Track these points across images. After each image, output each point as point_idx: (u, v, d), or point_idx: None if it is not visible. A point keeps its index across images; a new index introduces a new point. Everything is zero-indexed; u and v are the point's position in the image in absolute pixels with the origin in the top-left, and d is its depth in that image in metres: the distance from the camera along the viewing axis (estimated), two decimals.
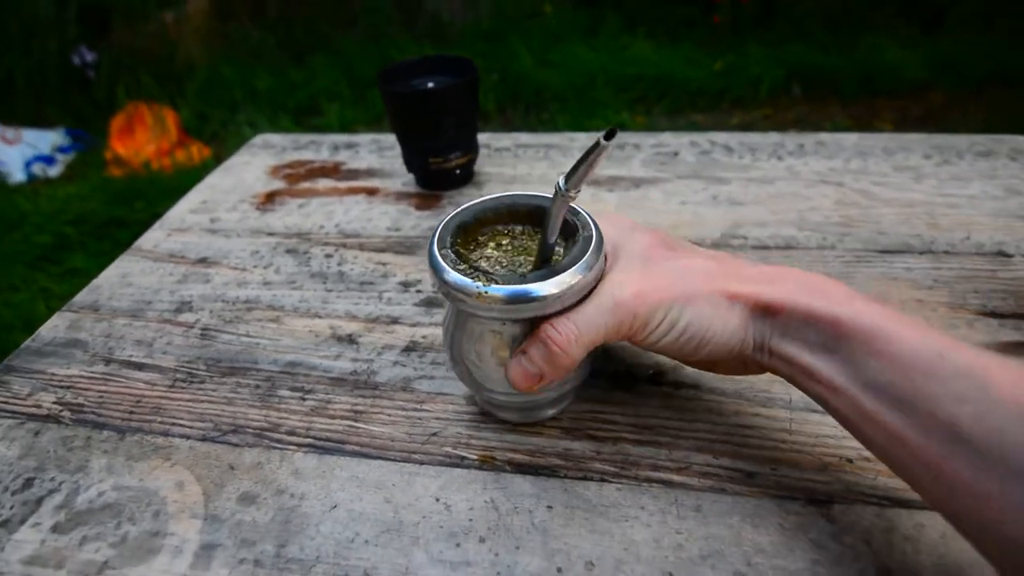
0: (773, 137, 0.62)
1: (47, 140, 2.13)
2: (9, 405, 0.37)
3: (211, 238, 0.52)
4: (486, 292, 0.25)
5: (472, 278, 0.26)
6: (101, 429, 0.34)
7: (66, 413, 0.36)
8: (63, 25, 2.26)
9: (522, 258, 0.29)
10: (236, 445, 0.33)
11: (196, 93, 2.18)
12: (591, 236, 0.27)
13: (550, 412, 0.33)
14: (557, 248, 0.28)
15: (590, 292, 0.26)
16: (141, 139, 2.05)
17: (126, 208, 1.52)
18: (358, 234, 0.51)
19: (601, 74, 1.99)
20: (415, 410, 0.34)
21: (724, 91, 1.94)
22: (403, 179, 0.59)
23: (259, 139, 0.71)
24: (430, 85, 0.50)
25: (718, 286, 0.26)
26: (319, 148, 0.67)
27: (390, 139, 0.68)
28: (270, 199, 0.58)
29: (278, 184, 0.60)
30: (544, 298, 0.25)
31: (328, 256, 0.49)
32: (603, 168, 0.58)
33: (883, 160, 0.56)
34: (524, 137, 0.66)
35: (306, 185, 0.60)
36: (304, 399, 0.35)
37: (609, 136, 0.21)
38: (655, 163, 0.59)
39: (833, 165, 0.56)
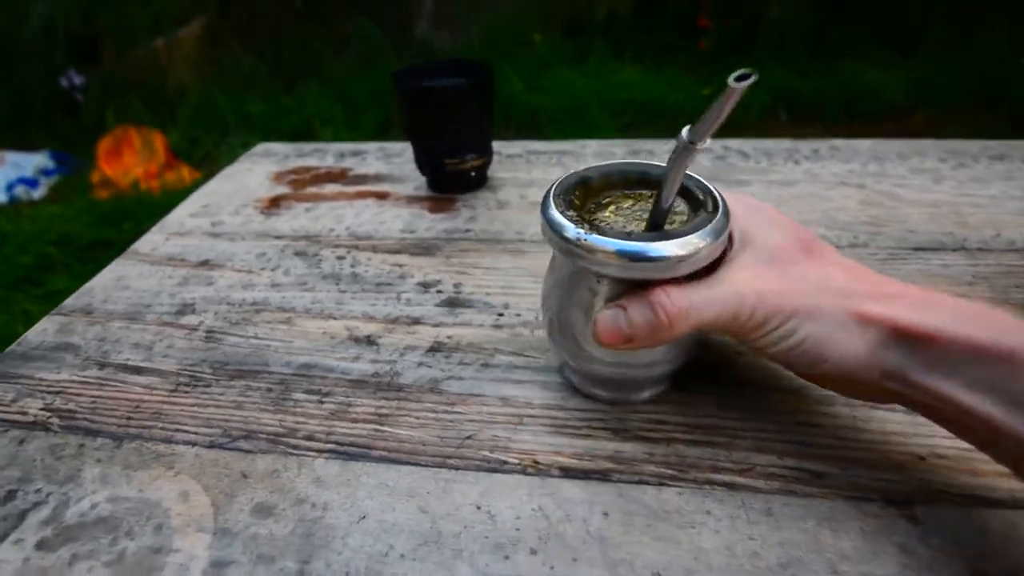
0: (786, 143, 0.62)
1: (31, 163, 2.09)
2: None
3: (213, 241, 0.50)
4: (585, 240, 0.24)
5: (576, 224, 0.24)
6: (95, 436, 0.31)
7: (55, 420, 0.32)
8: (51, 50, 2.24)
9: (637, 224, 0.27)
10: (248, 452, 0.30)
11: (188, 118, 2.16)
12: (719, 207, 0.25)
13: (646, 394, 0.31)
14: (675, 215, 0.27)
15: (709, 270, 0.25)
16: (129, 162, 2.01)
17: (113, 229, 1.48)
18: (370, 236, 0.49)
19: (593, 99, 2.03)
20: (446, 412, 0.31)
21: None
22: (414, 183, 0.57)
23: (260, 147, 0.69)
24: (446, 83, 0.49)
25: (850, 304, 0.23)
26: (324, 155, 0.65)
27: (397, 147, 0.66)
28: (275, 203, 0.55)
29: (283, 189, 0.58)
30: (666, 259, 0.23)
31: (340, 258, 0.46)
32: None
33: (899, 164, 0.56)
34: (535, 144, 0.64)
35: (312, 190, 0.58)
36: (322, 402, 0.32)
37: (741, 79, 0.19)
38: None
39: (851, 168, 0.55)
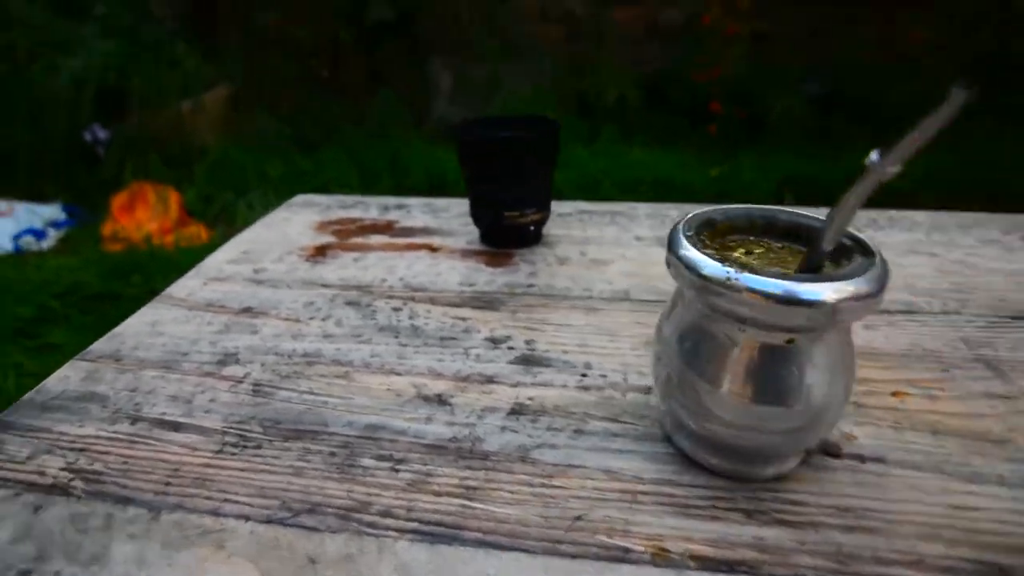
0: None
1: (41, 214, 2.08)
2: (1, 471, 0.28)
3: (256, 288, 0.46)
4: (736, 280, 0.21)
5: (721, 262, 0.22)
6: (126, 505, 0.26)
7: (78, 483, 0.27)
8: (80, 104, 2.31)
9: (776, 269, 0.25)
10: (315, 529, 0.25)
11: (205, 175, 2.20)
12: (875, 256, 0.23)
13: (771, 470, 0.26)
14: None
15: None
16: (141, 217, 2.02)
17: (121, 282, 1.44)
18: (426, 288, 0.46)
19: (605, 177, 2.09)
20: (543, 486, 0.27)
21: (722, 196, 2.04)
22: (466, 237, 0.55)
23: (300, 198, 0.68)
24: (516, 135, 0.48)
25: None
26: (367, 208, 0.64)
27: (442, 202, 0.65)
28: (321, 252, 0.53)
29: (327, 238, 0.56)
30: (822, 304, 0.20)
31: (396, 309, 0.43)
32: None
33: (963, 234, 0.55)
34: (585, 205, 0.63)
35: (358, 240, 0.55)
36: (396, 470, 0.28)
37: (968, 86, 0.17)
38: None
39: (916, 237, 0.54)
